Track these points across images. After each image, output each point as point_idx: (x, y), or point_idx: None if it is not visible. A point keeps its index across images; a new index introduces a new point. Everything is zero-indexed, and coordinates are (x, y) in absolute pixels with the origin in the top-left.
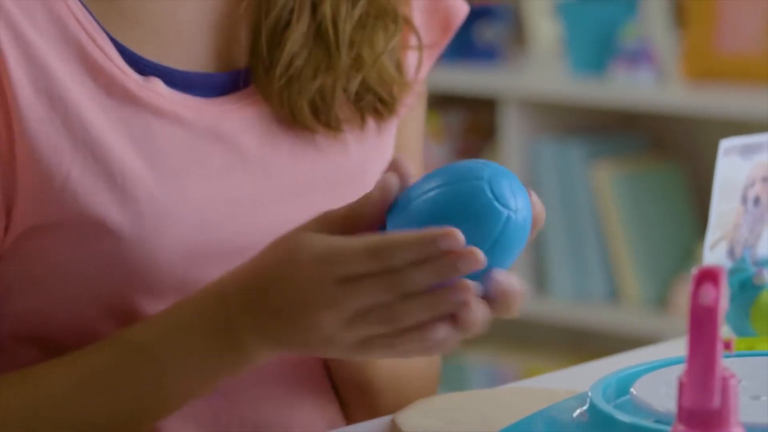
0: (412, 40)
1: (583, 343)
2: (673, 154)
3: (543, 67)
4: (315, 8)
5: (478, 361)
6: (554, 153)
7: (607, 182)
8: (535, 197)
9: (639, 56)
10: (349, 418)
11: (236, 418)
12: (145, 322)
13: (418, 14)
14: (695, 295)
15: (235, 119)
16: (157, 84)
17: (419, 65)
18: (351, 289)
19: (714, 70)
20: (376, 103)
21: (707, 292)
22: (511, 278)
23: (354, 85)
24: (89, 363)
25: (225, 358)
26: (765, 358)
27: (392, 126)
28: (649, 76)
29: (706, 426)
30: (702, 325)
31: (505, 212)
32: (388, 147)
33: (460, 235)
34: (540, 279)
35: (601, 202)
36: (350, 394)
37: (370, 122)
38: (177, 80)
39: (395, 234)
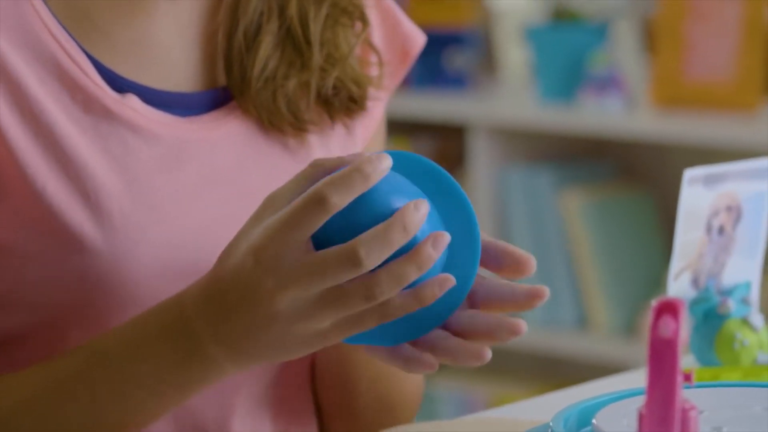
0: (372, 57)
1: (552, 371)
2: (642, 182)
3: (512, 95)
4: (283, 10)
5: (448, 388)
6: (523, 180)
7: (576, 210)
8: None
9: (608, 83)
10: None
11: None
12: (112, 330)
13: (377, 42)
14: (655, 327)
15: (212, 138)
16: (134, 101)
17: (380, 78)
18: (309, 268)
19: (683, 98)
20: (347, 101)
21: (666, 324)
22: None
23: (330, 82)
24: (55, 370)
25: (188, 369)
26: (727, 388)
27: (360, 136)
28: (618, 104)
29: None
30: (661, 357)
31: None
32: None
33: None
34: None
35: (570, 229)
36: (333, 414)
37: (338, 127)
38: (154, 99)
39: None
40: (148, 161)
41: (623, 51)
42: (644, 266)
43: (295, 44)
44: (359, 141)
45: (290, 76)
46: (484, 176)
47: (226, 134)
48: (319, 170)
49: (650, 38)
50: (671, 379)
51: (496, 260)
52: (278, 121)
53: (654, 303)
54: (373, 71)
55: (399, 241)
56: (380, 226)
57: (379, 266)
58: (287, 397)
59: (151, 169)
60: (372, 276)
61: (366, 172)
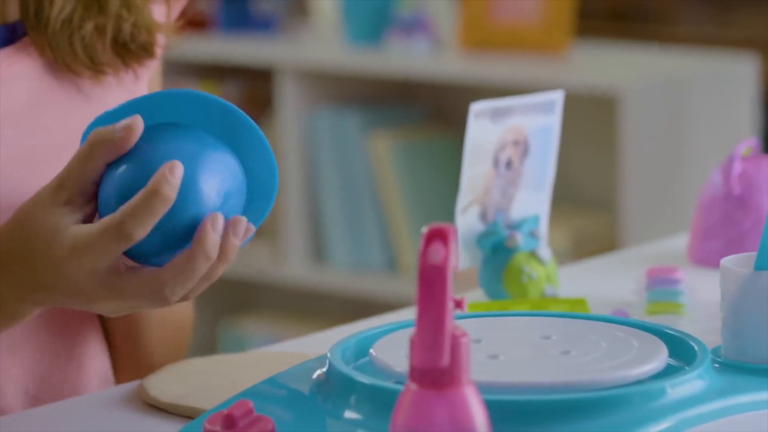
0: None
1: (361, 312)
2: (450, 124)
3: (320, 38)
4: None
5: (258, 330)
6: (331, 123)
7: (384, 152)
8: None
9: (415, 26)
10: (119, 377)
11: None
12: None
13: None
14: (424, 253)
15: (4, 75)
16: None
17: (168, 16)
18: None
19: (490, 40)
20: (138, 47)
21: (436, 250)
22: None
23: (127, 28)
24: None
25: None
26: (508, 318)
27: (145, 80)
28: (425, 46)
29: (437, 384)
30: (431, 283)
31: None
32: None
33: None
34: (318, 249)
35: (379, 172)
36: (122, 348)
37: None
38: None
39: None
40: None
41: None
42: (452, 208)
43: None
44: (144, 80)
45: (87, 19)
46: (292, 120)
47: (18, 72)
48: (98, 142)
49: None
50: (441, 306)
51: None
52: (74, 63)
53: (424, 230)
54: (156, 12)
55: (161, 211)
56: (140, 199)
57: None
58: (69, 321)
59: None
60: (162, 279)
61: (164, 195)
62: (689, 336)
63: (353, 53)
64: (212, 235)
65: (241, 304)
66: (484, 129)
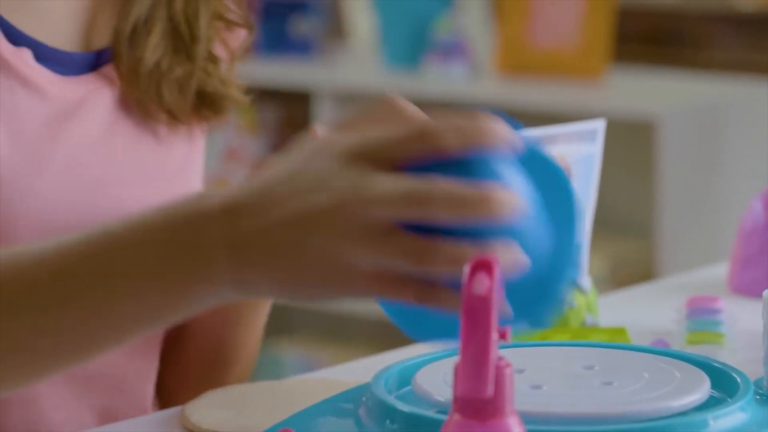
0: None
1: (397, 335)
2: None
3: (358, 61)
4: (170, 4)
5: (294, 353)
6: None
7: None
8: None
9: (453, 50)
10: (165, 401)
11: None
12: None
13: None
14: (469, 284)
15: (90, 99)
16: (27, 55)
17: (231, 64)
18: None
19: (527, 65)
20: (217, 103)
21: (481, 281)
22: None
23: (214, 79)
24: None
25: (183, 281)
26: (550, 348)
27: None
28: (462, 70)
29: (480, 415)
30: (475, 314)
31: None
32: (201, 146)
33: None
34: None
35: None
36: (199, 363)
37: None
38: (44, 55)
39: None
40: (33, 117)
41: (468, 17)
42: None
43: (181, 37)
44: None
45: (175, 65)
46: None
47: (99, 99)
48: (431, 132)
49: (495, 4)
50: (485, 336)
51: None
52: (152, 106)
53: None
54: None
55: (474, 208)
56: (469, 187)
57: None
58: (134, 354)
59: (35, 124)
60: (430, 241)
61: (488, 129)
62: (731, 368)
63: (390, 76)
64: (508, 199)
65: (276, 326)
66: None
